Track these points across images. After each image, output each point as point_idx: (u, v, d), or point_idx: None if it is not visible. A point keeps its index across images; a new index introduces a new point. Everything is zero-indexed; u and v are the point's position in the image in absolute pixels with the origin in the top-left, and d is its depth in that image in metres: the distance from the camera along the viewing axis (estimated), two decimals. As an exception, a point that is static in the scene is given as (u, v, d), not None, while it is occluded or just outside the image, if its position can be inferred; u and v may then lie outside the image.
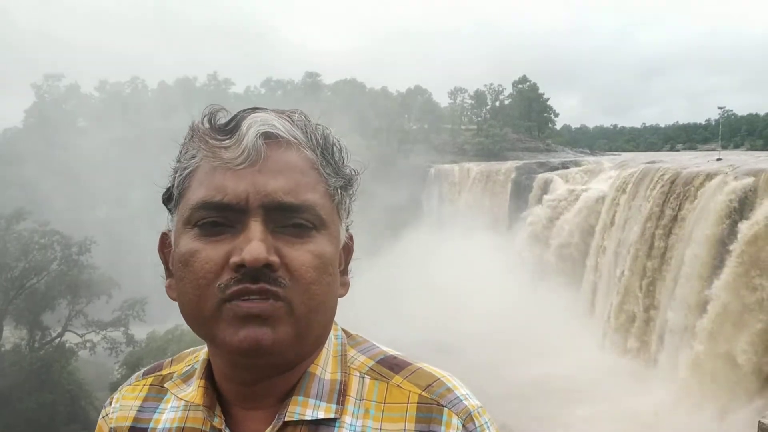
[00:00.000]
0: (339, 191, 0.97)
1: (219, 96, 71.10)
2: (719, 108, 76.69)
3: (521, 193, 42.47)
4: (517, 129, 67.46)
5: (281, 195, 0.90)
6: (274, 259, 0.87)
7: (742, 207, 21.55)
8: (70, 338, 28.92)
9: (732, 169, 23.94)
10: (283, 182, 0.90)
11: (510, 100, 73.75)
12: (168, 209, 0.99)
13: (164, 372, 1.12)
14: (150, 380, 1.13)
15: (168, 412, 1.06)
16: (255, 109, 0.96)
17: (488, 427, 0.96)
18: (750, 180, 21.92)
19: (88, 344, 29.01)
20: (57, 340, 28.65)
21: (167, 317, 30.41)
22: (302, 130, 0.96)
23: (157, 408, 1.08)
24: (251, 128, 0.91)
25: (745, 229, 20.55)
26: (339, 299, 1.00)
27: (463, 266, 34.76)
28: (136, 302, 29.23)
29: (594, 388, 23.96)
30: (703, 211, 22.99)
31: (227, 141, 0.91)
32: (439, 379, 0.97)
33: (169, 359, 1.15)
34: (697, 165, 28.54)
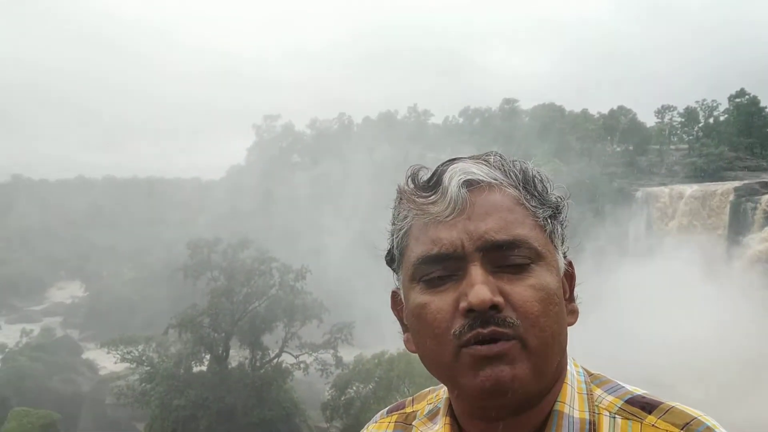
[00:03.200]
0: (549, 221, 0.99)
1: (419, 127, 73.36)
2: None
3: (741, 216, 38.96)
4: (735, 147, 61.99)
5: (493, 235, 0.93)
6: (499, 299, 0.91)
7: None
8: (286, 359, 30.68)
9: None
10: (493, 223, 0.94)
11: (726, 116, 68.02)
12: (392, 269, 1.06)
13: (407, 410, 1.20)
14: (394, 418, 1.20)
15: None
16: (452, 161, 1.01)
17: None
18: None
19: (302, 365, 30.43)
20: (275, 360, 30.53)
21: (373, 342, 31.69)
22: (500, 169, 0.99)
23: None
24: (453, 179, 0.96)
25: None
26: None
27: (674, 298, 32.45)
28: (344, 326, 30.51)
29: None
30: None
31: (433, 196, 0.96)
32: (696, 418, 0.93)
33: (411, 398, 1.23)
34: None
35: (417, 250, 0.97)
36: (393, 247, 1.04)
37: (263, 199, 61.32)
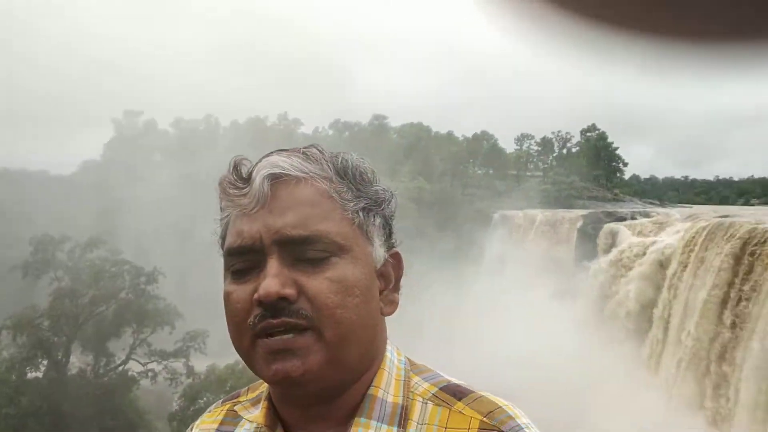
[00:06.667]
0: (360, 213, 1.00)
1: (288, 136, 72.85)
2: (799, 163, 74.00)
3: (587, 242, 41.64)
4: (585, 177, 66.47)
5: (289, 229, 0.95)
6: (288, 291, 0.93)
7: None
8: (133, 366, 29.58)
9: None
10: (291, 217, 0.96)
11: (578, 148, 72.96)
12: None
13: (241, 399, 1.20)
14: (227, 406, 1.20)
15: None
16: (271, 153, 1.02)
17: None
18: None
19: (149, 373, 29.59)
20: (120, 368, 29.39)
21: (228, 351, 30.85)
22: (316, 162, 1.01)
23: (232, 431, 1.15)
24: (259, 172, 0.97)
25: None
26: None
27: (524, 317, 34.11)
28: (198, 334, 29.69)
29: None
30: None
31: (246, 189, 0.98)
32: (501, 407, 0.99)
33: (246, 388, 1.22)
34: (775, 221, 27.35)
35: (228, 241, 1.00)
36: (219, 237, 1.06)
37: (121, 197, 58.51)
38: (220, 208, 1.05)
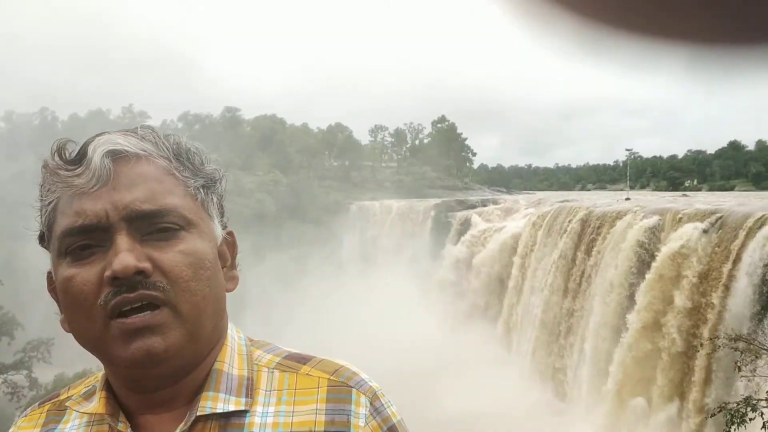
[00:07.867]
0: (201, 190, 1.01)
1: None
2: (627, 150, 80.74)
3: (441, 230, 43.04)
4: (436, 167, 68.68)
5: (139, 204, 0.93)
6: (145, 265, 0.90)
7: (650, 243, 22.52)
8: None
9: (640, 208, 25.05)
10: (139, 192, 0.94)
11: (429, 139, 75.13)
12: (46, 248, 1.02)
13: (62, 397, 1.14)
14: (47, 407, 1.14)
15: (69, 431, 1.07)
16: (100, 134, 0.98)
17: (391, 404, 1.04)
18: (657, 218, 22.99)
19: None
20: None
21: (76, 359, 28.96)
22: (151, 142, 0.99)
23: (56, 429, 1.09)
24: (96, 150, 0.94)
25: (652, 265, 21.43)
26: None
27: (383, 304, 34.69)
28: (40, 343, 27.88)
29: (512, 425, 24.12)
30: (614, 248, 23.88)
31: (78, 169, 0.94)
32: (343, 365, 1.05)
33: (66, 387, 1.17)
34: (608, 204, 29.67)
35: (63, 223, 0.95)
36: (42, 224, 1.01)
37: (-58, 199, 53.23)
38: (41, 195, 1.00)
